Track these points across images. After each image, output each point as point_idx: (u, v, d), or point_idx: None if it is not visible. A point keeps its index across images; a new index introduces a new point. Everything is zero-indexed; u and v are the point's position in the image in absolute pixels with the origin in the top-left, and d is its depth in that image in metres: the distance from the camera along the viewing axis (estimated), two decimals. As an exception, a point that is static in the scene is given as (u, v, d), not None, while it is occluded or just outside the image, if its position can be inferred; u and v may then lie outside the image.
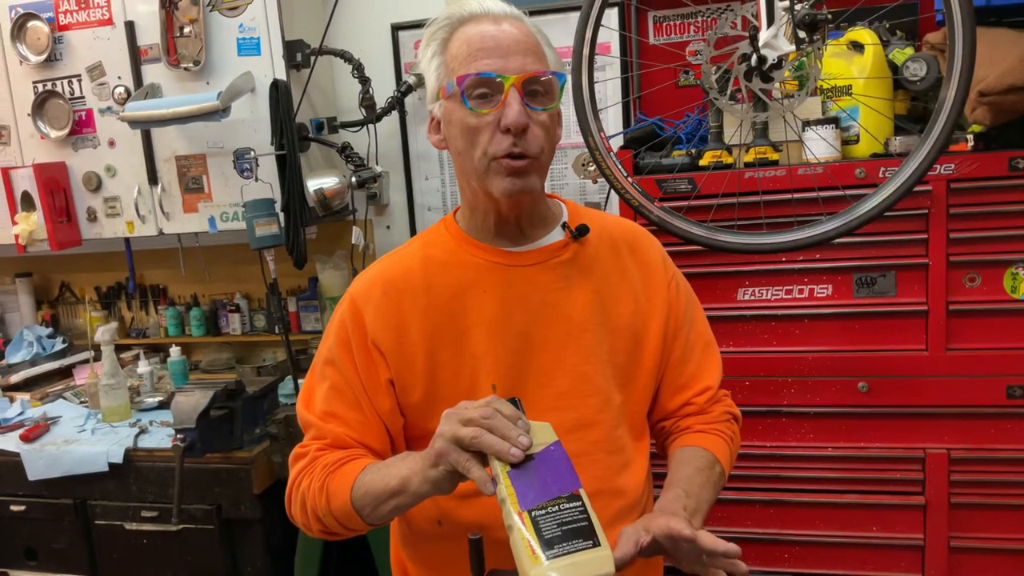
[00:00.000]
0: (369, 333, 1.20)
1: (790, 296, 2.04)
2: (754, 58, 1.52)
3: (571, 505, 0.93)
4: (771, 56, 1.50)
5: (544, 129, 1.14)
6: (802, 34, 1.50)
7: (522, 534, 0.91)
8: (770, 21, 1.50)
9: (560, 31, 2.18)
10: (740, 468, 2.08)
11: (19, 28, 2.63)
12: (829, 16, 1.49)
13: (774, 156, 1.99)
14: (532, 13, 1.24)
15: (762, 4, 1.49)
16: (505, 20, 1.15)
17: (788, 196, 1.90)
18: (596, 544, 0.91)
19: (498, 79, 1.10)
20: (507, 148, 1.12)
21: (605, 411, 1.23)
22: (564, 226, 1.26)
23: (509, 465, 0.95)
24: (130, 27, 2.54)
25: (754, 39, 1.52)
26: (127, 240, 2.84)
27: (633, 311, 1.26)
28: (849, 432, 2.04)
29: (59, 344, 3.18)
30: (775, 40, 1.49)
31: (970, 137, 1.90)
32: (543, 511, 0.92)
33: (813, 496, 2.07)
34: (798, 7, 1.49)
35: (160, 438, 2.39)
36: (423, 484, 1.04)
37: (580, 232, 1.25)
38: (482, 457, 0.97)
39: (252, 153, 2.49)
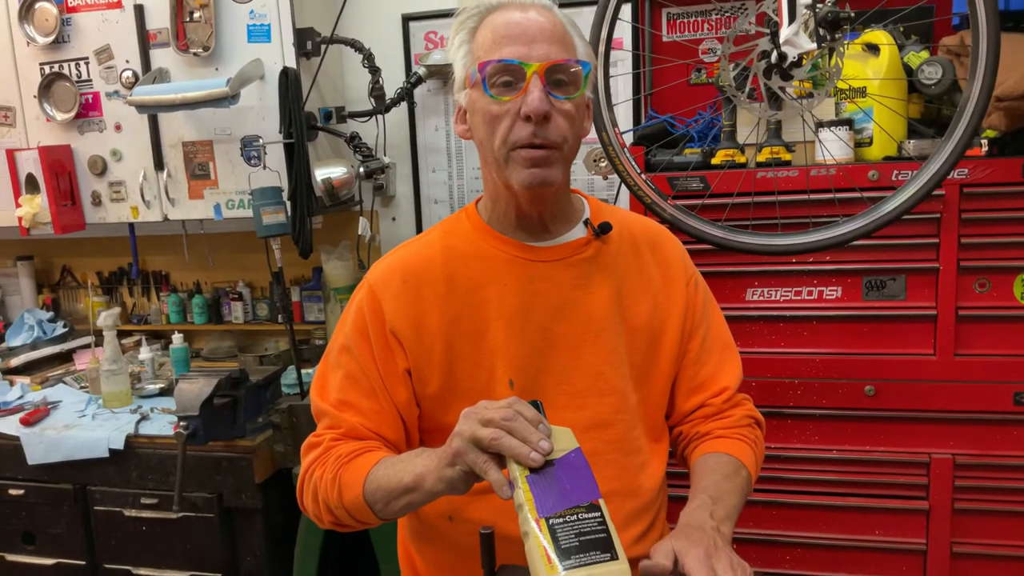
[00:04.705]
0: (387, 321, 1.19)
1: (799, 297, 2.03)
2: (774, 55, 1.51)
3: (590, 515, 0.91)
4: (792, 54, 1.49)
5: (568, 119, 1.12)
6: (823, 32, 1.49)
7: (539, 542, 0.88)
8: (791, 18, 1.49)
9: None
10: (744, 468, 2.07)
11: (27, 9, 2.61)
12: (852, 14, 1.48)
13: (787, 156, 1.98)
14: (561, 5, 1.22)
15: (784, 1, 1.48)
16: (533, 8, 1.13)
17: (804, 197, 1.89)
18: (614, 557, 0.88)
19: (521, 66, 1.09)
20: (527, 137, 1.10)
21: (622, 411, 1.21)
22: (587, 223, 1.25)
23: (528, 470, 0.93)
24: (139, 11, 2.52)
25: (775, 36, 1.51)
26: (131, 225, 2.83)
27: (652, 311, 1.25)
28: (854, 435, 2.04)
29: (60, 328, 3.16)
30: (796, 38, 1.48)
31: (984, 142, 1.89)
32: (561, 519, 0.90)
33: (816, 498, 2.06)
34: (820, 5, 1.47)
35: (161, 425, 2.37)
36: (438, 483, 1.02)
37: (603, 230, 1.23)
38: (500, 459, 0.94)
39: (260, 141, 2.48)
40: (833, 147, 1.93)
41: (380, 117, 2.63)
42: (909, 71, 1.98)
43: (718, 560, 0.95)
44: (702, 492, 1.13)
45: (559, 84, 1.11)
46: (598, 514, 0.91)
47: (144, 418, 2.43)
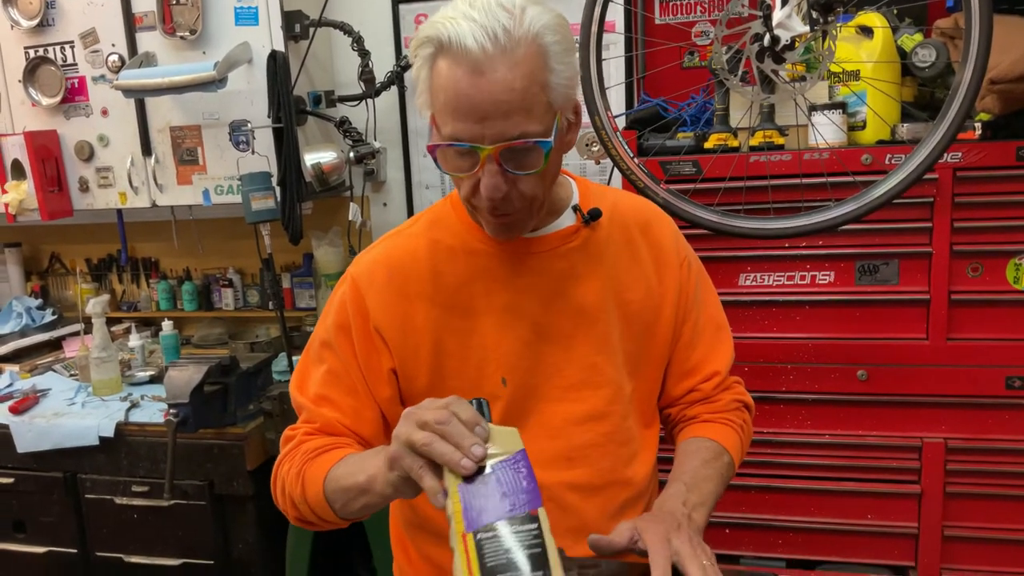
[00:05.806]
0: (372, 318, 1.16)
1: (792, 282, 2.03)
2: (767, 38, 1.49)
3: (525, 528, 0.81)
4: (784, 37, 1.48)
5: (532, 182, 1.06)
6: (816, 15, 1.47)
7: (463, 559, 0.80)
8: (784, 1, 1.47)
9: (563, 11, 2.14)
10: (737, 453, 2.08)
11: (10, -8, 2.57)
12: (845, -3, 1.46)
13: (780, 140, 1.97)
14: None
15: (777, -17, 1.47)
16: (487, 68, 0.96)
17: (796, 181, 1.88)
18: (546, 575, 0.79)
19: (473, 149, 1.00)
20: (488, 208, 1.06)
21: (616, 402, 1.20)
22: (576, 209, 1.21)
23: (461, 478, 0.84)
24: (125, -7, 2.48)
25: (767, 19, 1.49)
26: (119, 211, 2.80)
27: (645, 296, 1.23)
28: (847, 420, 2.04)
29: (48, 316, 3.14)
30: (789, 20, 1.47)
31: (978, 125, 1.88)
32: (491, 534, 0.81)
33: (809, 483, 2.07)
34: (813, -13, 1.46)
35: (152, 412, 2.36)
36: (386, 486, 0.97)
37: (592, 216, 1.20)
38: (438, 464, 0.87)
39: (248, 125, 2.45)
40: (826, 131, 1.92)
41: (370, 101, 2.61)
42: (903, 54, 1.96)
43: (676, 536, 0.94)
44: (678, 479, 1.12)
45: (518, 157, 1.02)
46: (534, 526, 0.82)
47: (134, 406, 2.41)
